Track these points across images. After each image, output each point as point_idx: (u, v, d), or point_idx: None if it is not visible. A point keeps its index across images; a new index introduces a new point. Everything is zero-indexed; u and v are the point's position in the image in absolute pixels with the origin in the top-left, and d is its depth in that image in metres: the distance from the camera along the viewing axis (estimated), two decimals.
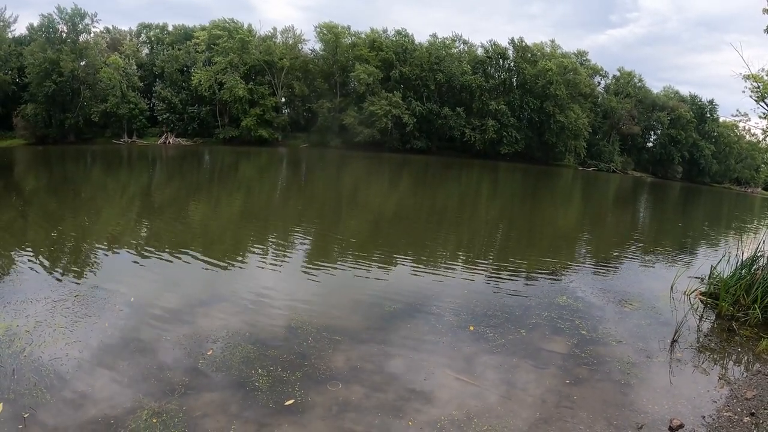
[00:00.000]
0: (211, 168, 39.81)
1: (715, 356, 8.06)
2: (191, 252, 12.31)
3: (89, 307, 8.33)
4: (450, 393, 6.44)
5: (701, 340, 8.66)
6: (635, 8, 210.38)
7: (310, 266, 11.99)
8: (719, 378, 7.24)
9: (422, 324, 8.52)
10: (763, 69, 13.84)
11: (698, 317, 9.76)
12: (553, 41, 76.12)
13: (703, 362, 7.72)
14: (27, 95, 56.31)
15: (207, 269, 11.14)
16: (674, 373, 7.29)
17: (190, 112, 64.73)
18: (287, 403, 5.92)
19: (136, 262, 11.40)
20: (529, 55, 73.13)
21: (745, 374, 7.50)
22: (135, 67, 64.11)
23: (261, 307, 8.96)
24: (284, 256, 13.01)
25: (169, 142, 62.12)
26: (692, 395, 6.64)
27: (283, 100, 71.47)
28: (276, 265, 11.96)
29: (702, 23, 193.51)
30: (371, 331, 8.23)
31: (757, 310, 9.30)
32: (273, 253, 13.19)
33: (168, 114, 63.92)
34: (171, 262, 11.53)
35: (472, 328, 8.43)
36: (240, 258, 12.43)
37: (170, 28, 74.83)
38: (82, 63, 57.06)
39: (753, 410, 6.37)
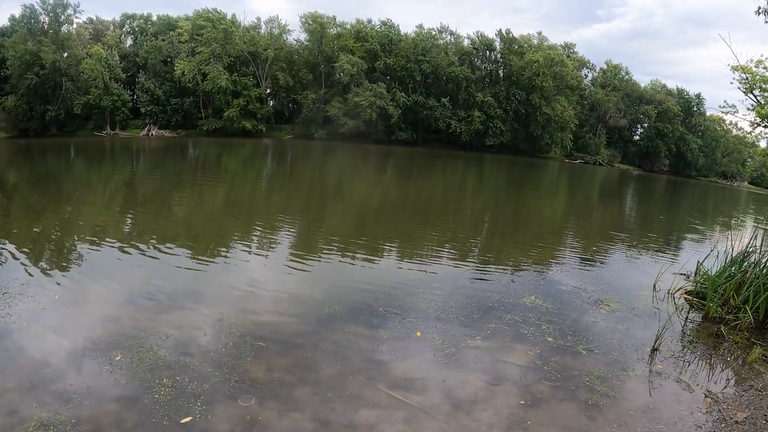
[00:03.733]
0: (194, 160, 38.42)
1: (702, 368, 6.92)
2: (137, 248, 11.09)
3: (13, 306, 7.46)
4: (377, 414, 5.32)
5: (686, 347, 7.53)
6: (622, 3, 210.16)
7: (251, 263, 10.80)
8: (705, 396, 6.10)
9: (362, 328, 7.34)
10: (751, 60, 13.50)
11: (683, 320, 8.66)
12: (540, 33, 75.46)
13: (687, 376, 6.58)
14: (8, 87, 54.94)
15: (142, 266, 9.99)
16: (653, 390, 6.15)
17: (173, 104, 63.28)
18: (183, 421, 5.03)
19: (85, 257, 10.38)
20: (516, 47, 72.31)
21: (735, 390, 6.36)
22: (118, 59, 62.68)
23: (187, 308, 7.89)
24: (228, 250, 11.80)
25: (152, 134, 60.55)
26: (673, 419, 5.52)
27: (268, 91, 70.18)
28: (212, 262, 10.73)
29: (688, 19, 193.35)
30: (304, 335, 7.07)
31: (749, 312, 8.20)
32: (215, 247, 12.00)
33: (151, 106, 62.33)
34: (117, 257, 10.40)
35: (419, 334, 7.25)
36: (177, 254, 11.06)
37: (154, 19, 73.42)
38: (64, 54, 55.39)
39: None
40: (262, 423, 5.07)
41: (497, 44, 73.39)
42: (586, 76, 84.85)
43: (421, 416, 5.31)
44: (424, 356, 6.63)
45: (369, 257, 11.76)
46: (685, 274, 11.19)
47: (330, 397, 5.55)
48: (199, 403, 5.30)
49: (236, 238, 12.96)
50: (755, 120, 14.79)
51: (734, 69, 13.67)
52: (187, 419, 5.04)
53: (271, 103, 71.73)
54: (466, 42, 74.58)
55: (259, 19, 70.23)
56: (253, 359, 6.27)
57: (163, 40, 65.40)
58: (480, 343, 7.11)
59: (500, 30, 73.04)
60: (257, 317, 7.59)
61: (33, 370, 5.78)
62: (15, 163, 31.57)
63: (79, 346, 6.41)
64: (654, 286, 10.30)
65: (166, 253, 10.88)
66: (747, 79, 13.68)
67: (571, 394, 5.90)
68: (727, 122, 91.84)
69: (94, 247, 10.97)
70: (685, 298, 9.66)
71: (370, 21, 72.43)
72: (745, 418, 5.67)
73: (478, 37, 73.25)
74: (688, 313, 9.06)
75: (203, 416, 5.10)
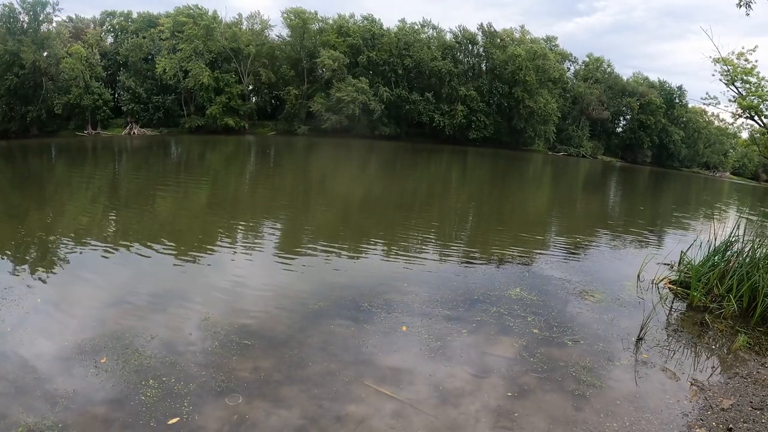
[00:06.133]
0: (177, 159, 37.98)
1: (687, 356, 6.96)
2: (121, 249, 10.93)
3: None
4: (365, 410, 5.27)
5: (670, 336, 7.57)
6: None
7: (236, 261, 10.69)
8: (691, 384, 6.13)
9: (347, 324, 7.29)
10: (733, 52, 13.59)
11: (667, 309, 8.71)
12: (522, 27, 75.60)
13: (672, 364, 6.62)
14: None
15: (126, 267, 9.85)
16: (639, 379, 6.17)
17: (155, 102, 62.33)
18: (171, 422, 4.96)
19: (68, 259, 10.20)
20: (499, 40, 72.31)
21: (720, 378, 6.40)
22: (98, 57, 61.48)
23: (172, 308, 7.77)
24: (213, 249, 11.67)
25: (134, 133, 59.64)
26: (659, 407, 5.53)
27: (250, 87, 69.66)
28: (197, 261, 10.60)
29: (668, 12, 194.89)
30: (289, 332, 7.00)
31: (732, 300, 8.28)
32: (199, 247, 11.86)
33: (132, 104, 61.39)
34: (100, 259, 10.22)
35: (404, 328, 7.21)
36: (162, 254, 10.90)
37: (134, 16, 72.25)
38: (44, 54, 54.14)
39: (730, 424, 5.30)
40: (249, 421, 5.01)
41: (479, 38, 73.22)
42: (569, 69, 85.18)
43: (409, 410, 5.27)
44: (410, 350, 6.60)
45: (354, 253, 11.70)
46: (668, 264, 11.25)
47: (317, 394, 5.50)
48: (185, 404, 5.22)
49: (221, 236, 12.83)
50: (737, 111, 14.90)
51: (716, 61, 13.73)
52: (175, 420, 4.97)
53: (254, 100, 71.19)
54: (448, 36, 74.45)
55: (240, 15, 70.10)
56: (239, 358, 6.19)
57: (144, 38, 64.41)
58: (466, 336, 7.09)
59: (482, 24, 73.03)
60: (243, 315, 7.50)
61: (18, 375, 5.68)
62: (11, 165, 31.02)
63: (64, 349, 6.31)
64: (638, 276, 10.35)
65: (151, 253, 10.72)
66: (728, 71, 13.73)
67: (557, 385, 5.89)
68: (709, 114, 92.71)
69: (77, 249, 10.80)
70: (669, 288, 9.72)
71: (352, 16, 72.39)
72: (731, 405, 5.71)
73: (460, 31, 73.10)
74: (673, 302, 9.12)
75: (190, 416, 5.03)
